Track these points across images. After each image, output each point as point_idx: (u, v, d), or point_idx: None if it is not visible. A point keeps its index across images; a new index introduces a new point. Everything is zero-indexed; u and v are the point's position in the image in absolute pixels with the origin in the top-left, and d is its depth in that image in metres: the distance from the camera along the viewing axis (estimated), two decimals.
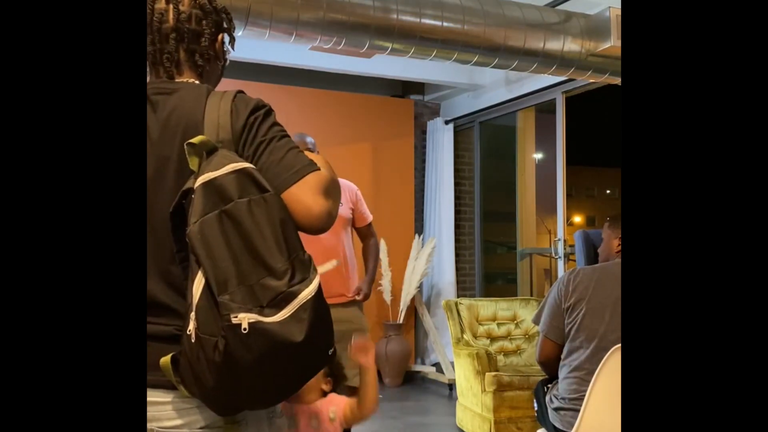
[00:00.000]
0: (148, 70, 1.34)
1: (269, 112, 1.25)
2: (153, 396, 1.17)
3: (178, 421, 1.18)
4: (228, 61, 1.44)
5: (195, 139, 1.15)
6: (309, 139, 3.34)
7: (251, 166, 1.14)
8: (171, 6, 1.31)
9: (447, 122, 6.25)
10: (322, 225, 1.17)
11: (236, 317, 1.04)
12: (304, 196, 1.15)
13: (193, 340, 1.08)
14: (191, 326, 1.08)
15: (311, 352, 1.11)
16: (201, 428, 1.18)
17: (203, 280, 1.08)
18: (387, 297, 5.81)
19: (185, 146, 1.15)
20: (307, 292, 1.08)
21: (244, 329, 1.04)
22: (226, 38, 1.40)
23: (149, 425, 1.17)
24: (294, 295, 1.07)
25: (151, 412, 1.17)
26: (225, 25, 1.39)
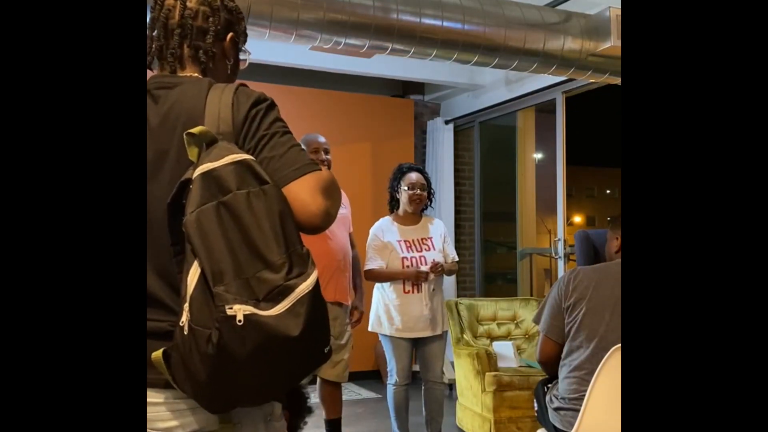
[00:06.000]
0: (154, 63, 1.33)
1: (272, 106, 1.23)
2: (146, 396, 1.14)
3: (172, 423, 1.16)
4: (245, 63, 1.42)
5: (195, 130, 1.13)
6: (321, 139, 3.34)
7: (251, 157, 1.12)
8: (178, 2, 1.31)
9: (447, 122, 6.25)
10: (319, 223, 1.15)
11: (231, 309, 1.02)
12: (303, 193, 1.14)
13: (186, 332, 1.05)
14: (184, 318, 1.05)
15: (307, 348, 1.08)
16: (194, 431, 1.16)
17: (199, 271, 1.05)
18: None
19: (185, 136, 1.13)
20: (305, 287, 1.05)
21: (239, 321, 1.01)
22: (239, 38, 1.39)
23: None
24: (291, 289, 1.04)
25: None
26: (236, 25, 1.39)
